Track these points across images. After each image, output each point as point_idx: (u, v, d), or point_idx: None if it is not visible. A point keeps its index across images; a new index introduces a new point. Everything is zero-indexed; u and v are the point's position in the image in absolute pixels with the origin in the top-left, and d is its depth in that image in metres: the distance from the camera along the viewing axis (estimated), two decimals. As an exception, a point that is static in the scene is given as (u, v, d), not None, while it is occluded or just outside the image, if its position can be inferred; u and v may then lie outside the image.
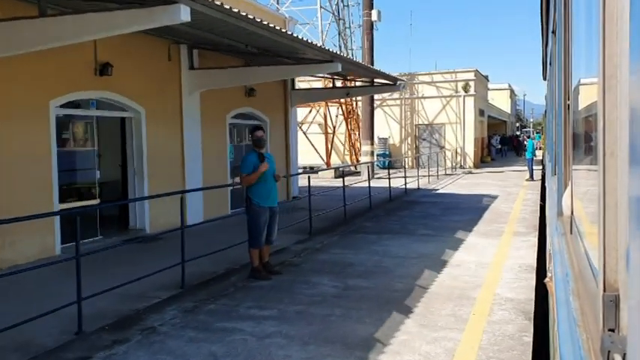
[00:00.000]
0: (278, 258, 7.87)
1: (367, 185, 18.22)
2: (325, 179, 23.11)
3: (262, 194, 6.64)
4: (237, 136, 13.18)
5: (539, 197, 15.59)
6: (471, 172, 25.42)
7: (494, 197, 15.49)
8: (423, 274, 6.86)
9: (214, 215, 10.37)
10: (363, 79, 15.67)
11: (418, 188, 18.38)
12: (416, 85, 28.60)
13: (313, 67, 9.84)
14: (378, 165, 28.17)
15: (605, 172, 0.98)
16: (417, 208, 13.42)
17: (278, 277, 6.78)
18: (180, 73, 10.48)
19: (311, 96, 15.32)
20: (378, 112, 29.04)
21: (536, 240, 9.20)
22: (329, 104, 24.95)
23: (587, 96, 1.51)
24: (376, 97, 28.90)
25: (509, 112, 54.93)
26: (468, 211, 12.70)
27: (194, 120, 10.73)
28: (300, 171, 24.57)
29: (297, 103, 15.26)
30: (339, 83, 16.59)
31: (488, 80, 34.47)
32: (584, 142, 1.68)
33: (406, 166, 28.66)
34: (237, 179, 6.46)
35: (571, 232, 2.09)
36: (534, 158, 22.02)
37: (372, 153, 22.29)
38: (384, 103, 29.10)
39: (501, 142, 43.62)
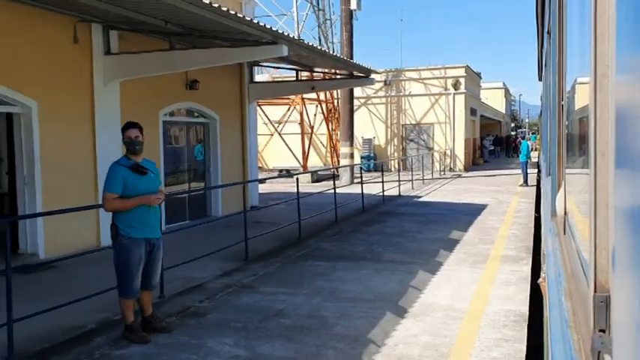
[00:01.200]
0: (182, 302, 5.89)
1: (344, 192, 16.36)
2: (301, 184, 21.15)
3: (134, 220, 4.58)
4: (174, 138, 11.19)
5: (533, 207, 13.68)
6: (460, 176, 23.48)
7: (483, 207, 13.55)
8: (371, 333, 4.89)
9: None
10: (342, 72, 13.76)
11: (399, 195, 16.44)
12: (403, 82, 26.66)
13: (252, 51, 7.88)
14: (362, 168, 26.19)
15: (597, 173, 0.99)
16: (392, 221, 11.46)
17: (162, 337, 4.79)
18: (91, 58, 8.49)
19: (271, 90, 13.34)
20: (362, 111, 27.13)
21: (529, 269, 7.26)
22: (306, 102, 22.99)
23: (580, 97, 1.58)
24: (360, 94, 26.99)
25: (503, 111, 53.07)
26: (451, 225, 10.75)
27: (111, 117, 8.73)
28: (273, 174, 22.67)
29: (257, 98, 13.28)
30: (329, 78, 14.62)
31: (480, 78, 32.55)
32: (577, 142, 1.75)
33: (392, 169, 26.84)
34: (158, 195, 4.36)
35: (564, 233, 2.11)
36: (529, 161, 20.11)
37: (352, 155, 20.33)
38: (369, 102, 27.15)
39: (494, 143, 41.76)
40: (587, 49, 1.06)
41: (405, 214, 12.54)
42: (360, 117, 27.18)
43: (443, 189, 18.34)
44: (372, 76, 12.50)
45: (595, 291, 0.97)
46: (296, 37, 12.33)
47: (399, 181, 16.95)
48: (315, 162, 27.38)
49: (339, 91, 21.44)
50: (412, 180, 18.58)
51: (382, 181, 15.16)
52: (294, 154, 22.32)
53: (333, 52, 20.95)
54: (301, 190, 18.93)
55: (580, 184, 1.54)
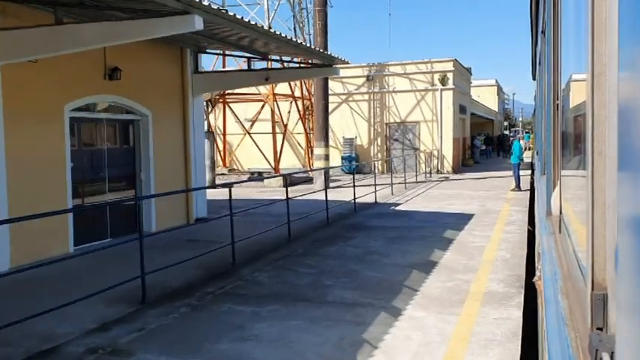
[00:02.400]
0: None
1: (316, 198, 14.46)
2: (272, 189, 19.22)
3: None
4: (90, 138, 9.20)
5: (527, 217, 11.80)
6: (447, 179, 21.59)
7: (469, 217, 11.66)
8: None
9: (40, 258, 6.60)
10: (306, 59, 11.81)
11: (375, 202, 14.53)
12: (386, 78, 24.73)
13: (156, 23, 5.92)
14: (343, 170, 24.33)
15: (594, 172, 0.99)
16: (358, 238, 9.53)
17: None
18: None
19: (219, 81, 11.38)
20: (343, 109, 25.22)
21: (520, 315, 5.37)
22: (280, 98, 21.07)
23: (576, 95, 1.58)
24: (341, 91, 25.08)
25: (496, 110, 51.31)
26: (427, 244, 8.84)
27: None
28: (243, 178, 20.63)
29: (205, 91, 11.33)
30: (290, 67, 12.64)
31: (470, 73, 30.67)
32: (573, 141, 1.73)
33: (376, 171, 24.95)
34: None
35: (560, 232, 2.13)
36: (522, 162, 18.25)
37: (327, 157, 18.39)
38: (350, 98, 25.21)
39: (486, 143, 39.96)
40: (583, 48, 1.09)
41: (375, 227, 10.61)
42: (341, 115, 25.28)
43: (426, 194, 16.43)
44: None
45: (592, 289, 0.98)
46: (265, 27, 10.41)
47: (375, 185, 15.02)
48: (292, 164, 25.44)
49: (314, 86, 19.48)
50: (392, 184, 16.66)
51: (354, 186, 13.22)
52: (264, 156, 20.37)
53: (310, 44, 18.98)
54: (269, 196, 17.07)
55: (576, 183, 1.59)
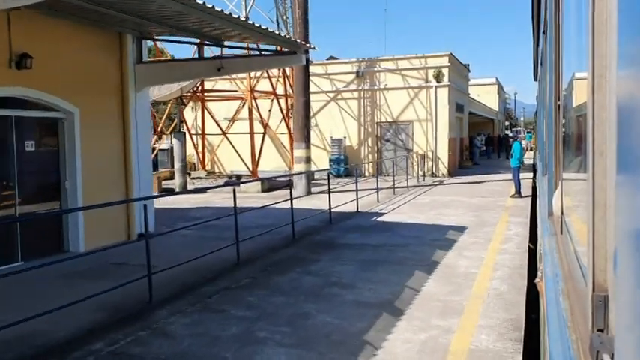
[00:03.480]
0: None
1: (295, 206, 12.86)
2: (248, 195, 17.57)
3: None
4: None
5: (527, 231, 10.16)
6: (442, 183, 19.93)
7: (460, 232, 10.02)
8: None
9: None
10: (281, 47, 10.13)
11: (357, 211, 12.89)
12: (377, 74, 23.07)
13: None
14: (331, 173, 22.67)
15: (595, 172, 0.99)
16: (323, 261, 7.88)
17: None
18: None
19: (167, 73, 9.69)
20: (331, 107, 23.58)
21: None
22: (258, 96, 19.44)
23: (577, 96, 1.57)
24: (329, 88, 23.44)
25: (496, 109, 49.56)
26: (405, 270, 7.20)
27: None
28: (205, 185, 18.90)
29: (151, 84, 9.67)
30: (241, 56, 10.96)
31: (468, 70, 28.95)
32: (574, 142, 1.72)
33: (367, 174, 23.32)
34: None
35: (561, 232, 2.14)
36: (523, 166, 16.59)
37: (309, 159, 16.75)
38: (339, 96, 23.56)
39: (487, 143, 38.29)
40: (584, 48, 1.08)
41: (348, 246, 8.96)
42: (329, 114, 23.65)
43: (416, 202, 14.76)
44: (301, 52, 8.84)
45: (593, 290, 0.97)
46: (242, 17, 8.81)
47: (357, 191, 13.36)
48: (278, 166, 23.81)
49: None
50: (378, 190, 14.99)
51: (329, 193, 11.55)
52: (241, 158, 18.72)
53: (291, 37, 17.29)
54: (243, 203, 15.41)
55: (577, 183, 1.58)
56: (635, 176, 0.60)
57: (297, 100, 16.33)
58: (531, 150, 37.81)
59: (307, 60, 16.44)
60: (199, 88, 20.14)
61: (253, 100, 18.25)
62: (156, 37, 9.43)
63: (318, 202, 14.42)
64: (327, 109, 23.72)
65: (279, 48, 9.42)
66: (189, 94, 19.22)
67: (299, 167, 16.54)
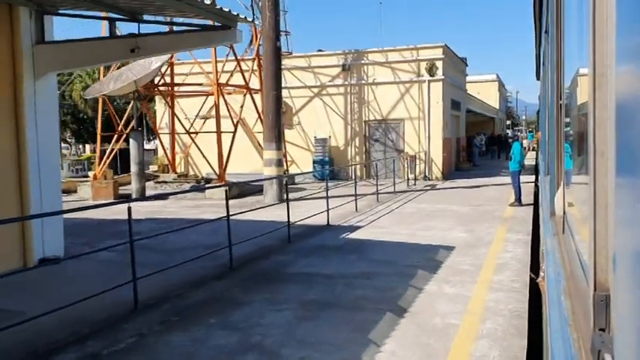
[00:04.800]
0: None
1: (262, 217, 10.92)
2: (214, 202, 15.59)
3: None
4: None
5: (528, 253, 8.16)
6: (434, 187, 17.91)
7: (445, 255, 8.05)
8: None
9: None
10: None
11: (327, 225, 10.91)
12: (365, 67, 21.07)
13: None
14: (315, 176, 20.70)
15: (596, 172, 0.99)
16: (252, 304, 5.88)
17: None
18: None
19: (74, 55, 7.69)
20: (315, 104, 21.62)
21: None
22: (230, 91, 17.45)
23: (579, 96, 1.57)
24: (313, 83, 21.45)
25: (497, 107, 47.49)
26: (358, 321, 5.22)
27: None
28: (167, 190, 16.78)
29: (56, 68, 7.69)
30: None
31: (466, 64, 26.90)
32: (576, 141, 1.72)
33: (355, 177, 21.37)
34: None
35: (563, 232, 2.13)
36: (524, 169, 14.59)
37: (280, 162, 14.79)
38: (324, 92, 21.57)
39: (490, 143, 36.23)
40: (586, 48, 1.08)
41: (297, 277, 6.96)
42: (313, 111, 21.67)
43: (401, 211, 12.77)
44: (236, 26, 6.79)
45: (595, 290, 0.97)
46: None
47: (327, 198, 11.38)
48: (255, 169, 21.78)
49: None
50: (356, 198, 12.99)
51: (287, 206, 9.55)
52: (207, 161, 16.74)
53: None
54: (203, 213, 13.47)
55: (578, 183, 1.56)
56: (635, 176, 0.61)
57: (266, 95, 14.35)
58: (533, 150, 35.75)
59: (279, 48, 14.49)
60: (161, 81, 18.18)
61: (223, 96, 16.26)
62: (60, 12, 7.46)
63: (292, 211, 12.45)
64: (311, 106, 21.74)
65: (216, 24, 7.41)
66: (151, 86, 17.24)
67: (269, 171, 14.58)
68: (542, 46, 4.70)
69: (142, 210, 13.92)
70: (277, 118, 14.34)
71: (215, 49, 16.01)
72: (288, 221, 9.32)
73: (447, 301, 5.81)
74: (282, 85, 22.08)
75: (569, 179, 2.06)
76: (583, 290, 1.19)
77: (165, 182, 17.73)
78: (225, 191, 7.37)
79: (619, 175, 0.74)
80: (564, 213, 2.18)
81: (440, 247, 8.64)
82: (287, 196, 9.77)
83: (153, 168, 23.45)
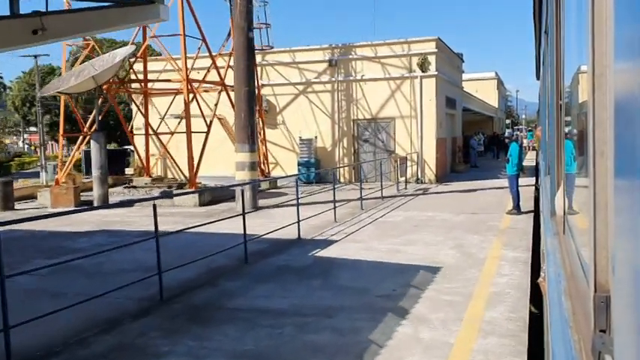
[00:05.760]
0: None
1: (226, 230, 9.55)
2: (183, 209, 14.22)
3: None
4: None
5: (528, 278, 6.77)
6: (425, 192, 16.54)
7: (427, 279, 6.69)
8: None
9: None
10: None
11: (298, 238, 9.54)
12: (353, 63, 19.71)
13: None
14: (300, 179, 19.32)
15: (596, 172, 0.99)
16: (170, 357, 4.54)
17: None
18: None
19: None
20: (300, 102, 20.27)
21: None
22: (204, 88, 16.09)
23: (578, 96, 1.55)
24: (298, 79, 20.09)
25: (496, 106, 46.10)
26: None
27: None
28: (137, 196, 15.11)
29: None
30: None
31: (462, 60, 25.49)
32: (576, 141, 1.73)
33: (342, 179, 20.05)
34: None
35: (564, 232, 2.12)
36: (522, 173, 13.23)
37: (254, 166, 13.42)
38: (309, 89, 20.20)
39: (490, 143, 34.85)
40: (585, 48, 1.08)
41: (238, 314, 5.58)
42: (298, 109, 20.31)
43: (385, 221, 11.40)
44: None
45: (595, 291, 0.97)
46: None
47: (298, 205, 9.99)
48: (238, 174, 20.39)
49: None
50: (335, 206, 11.60)
51: (243, 217, 8.15)
52: (176, 164, 15.38)
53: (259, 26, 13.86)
54: (164, 223, 12.03)
55: (579, 183, 1.56)
56: (635, 176, 0.61)
57: (237, 91, 12.97)
58: (533, 149, 34.36)
59: (251, 39, 13.13)
60: (127, 77, 16.82)
61: (194, 93, 14.89)
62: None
63: (261, 222, 11.10)
64: (296, 104, 20.38)
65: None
66: (114, 82, 15.89)
67: (242, 175, 13.21)
68: (542, 46, 4.72)
69: (98, 220, 12.56)
70: (250, 117, 12.97)
71: (184, 41, 14.64)
72: (245, 237, 7.92)
73: (421, 353, 4.44)
74: (266, 82, 20.80)
75: (570, 179, 2.06)
76: (583, 291, 1.20)
77: (135, 187, 16.36)
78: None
79: (617, 175, 0.74)
80: (564, 213, 2.18)
81: (423, 268, 7.28)
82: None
83: (129, 171, 22.10)
